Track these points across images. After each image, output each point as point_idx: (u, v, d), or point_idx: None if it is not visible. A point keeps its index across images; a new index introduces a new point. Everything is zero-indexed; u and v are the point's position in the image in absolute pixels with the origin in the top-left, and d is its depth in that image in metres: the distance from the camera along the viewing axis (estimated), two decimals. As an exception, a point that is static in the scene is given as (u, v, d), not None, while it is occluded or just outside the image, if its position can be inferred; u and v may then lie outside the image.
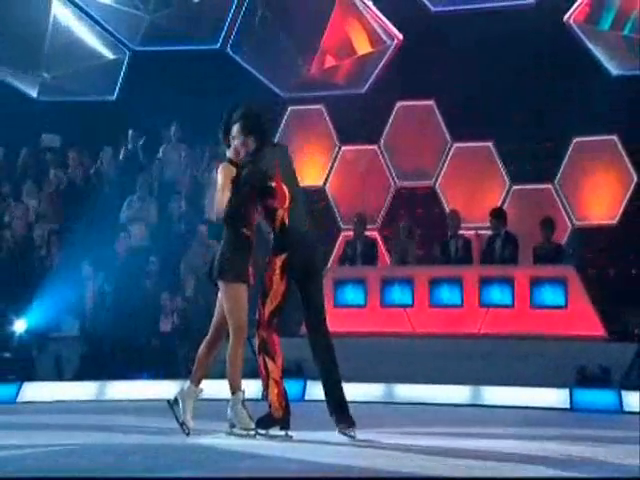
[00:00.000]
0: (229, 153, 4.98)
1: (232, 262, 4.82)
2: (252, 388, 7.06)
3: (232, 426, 4.79)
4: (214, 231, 8.92)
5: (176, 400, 4.90)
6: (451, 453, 4.25)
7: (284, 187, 4.81)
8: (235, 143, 4.90)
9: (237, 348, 4.77)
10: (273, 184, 4.80)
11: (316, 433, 4.81)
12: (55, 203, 10.17)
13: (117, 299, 8.74)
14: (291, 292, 4.83)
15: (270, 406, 4.75)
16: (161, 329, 8.76)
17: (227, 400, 4.85)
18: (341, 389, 4.77)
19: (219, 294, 4.87)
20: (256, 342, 4.82)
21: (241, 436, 4.71)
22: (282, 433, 4.71)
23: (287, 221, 4.79)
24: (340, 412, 4.71)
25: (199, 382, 4.92)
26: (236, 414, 4.77)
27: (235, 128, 4.88)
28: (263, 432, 4.71)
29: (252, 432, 4.70)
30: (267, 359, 4.75)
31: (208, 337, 4.93)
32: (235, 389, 4.80)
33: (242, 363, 4.80)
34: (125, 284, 8.79)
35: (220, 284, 4.83)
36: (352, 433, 4.66)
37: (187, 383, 4.92)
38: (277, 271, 4.76)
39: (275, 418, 4.73)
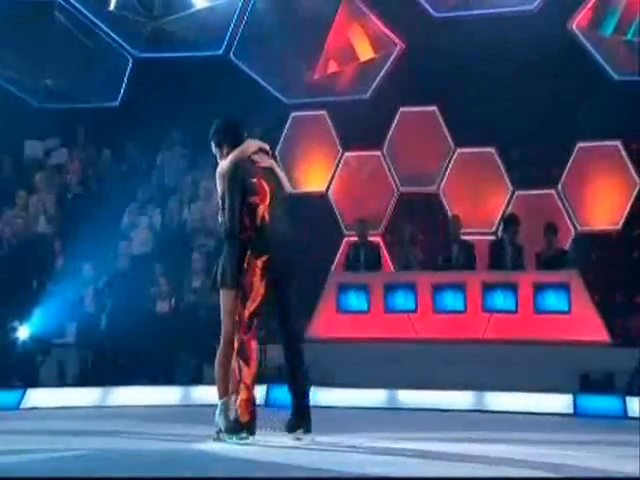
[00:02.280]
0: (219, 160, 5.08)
1: (232, 269, 4.86)
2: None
3: (219, 431, 4.81)
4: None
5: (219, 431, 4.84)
6: (455, 458, 4.24)
7: (264, 184, 4.85)
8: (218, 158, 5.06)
9: (227, 353, 4.83)
10: (254, 180, 4.83)
11: (323, 437, 4.81)
12: (58, 209, 10.18)
13: (118, 306, 8.74)
14: (267, 295, 4.77)
15: (236, 411, 4.76)
16: (158, 309, 8.77)
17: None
18: (305, 394, 4.75)
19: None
20: (235, 344, 4.80)
21: (228, 441, 4.72)
22: (249, 438, 4.69)
23: (268, 218, 4.79)
24: (300, 417, 4.70)
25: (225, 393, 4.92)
26: (223, 419, 4.80)
27: (212, 146, 5.12)
28: (230, 438, 4.71)
29: (244, 435, 4.69)
30: (242, 363, 4.74)
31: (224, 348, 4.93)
32: (222, 394, 4.84)
33: (230, 370, 4.82)
34: (126, 290, 8.80)
35: (222, 290, 4.90)
36: (303, 437, 4.67)
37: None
38: (258, 273, 4.75)
39: (241, 423, 4.72)
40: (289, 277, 4.84)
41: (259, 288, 4.75)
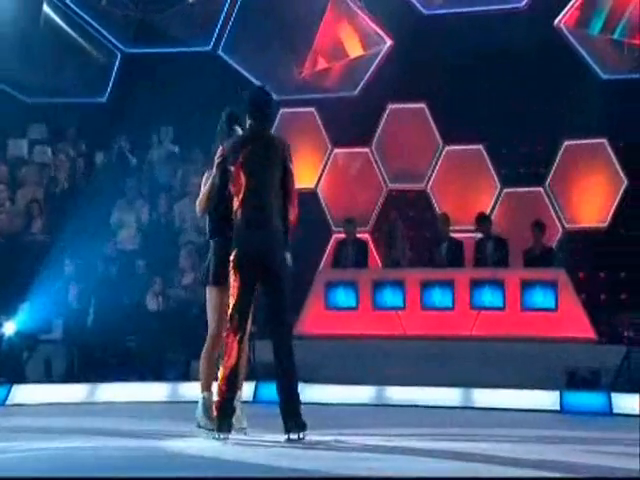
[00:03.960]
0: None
1: (216, 266, 4.86)
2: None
3: (198, 426, 4.83)
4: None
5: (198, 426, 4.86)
6: (443, 455, 4.25)
7: (242, 176, 4.60)
8: None
9: (213, 350, 4.85)
10: (232, 169, 4.64)
11: (311, 435, 4.81)
12: (45, 205, 10.11)
13: (105, 302, 8.71)
14: (246, 291, 4.64)
15: (211, 408, 4.73)
16: (147, 306, 8.75)
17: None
18: (294, 393, 4.62)
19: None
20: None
21: (204, 436, 4.73)
22: (221, 437, 4.61)
23: (239, 214, 4.61)
24: (291, 417, 4.59)
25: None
26: (202, 414, 4.82)
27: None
28: (201, 431, 4.71)
29: (215, 434, 4.66)
30: (221, 360, 4.69)
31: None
32: (204, 389, 4.86)
33: (214, 365, 4.83)
34: (114, 287, 8.77)
35: (209, 288, 4.91)
36: (301, 436, 4.57)
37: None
38: (231, 268, 4.66)
39: (213, 420, 4.67)
40: (266, 276, 4.64)
41: (234, 283, 4.64)
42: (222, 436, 4.61)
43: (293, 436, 4.57)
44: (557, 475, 3.77)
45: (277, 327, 4.72)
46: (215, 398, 4.69)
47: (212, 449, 4.42)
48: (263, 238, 4.64)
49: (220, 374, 4.66)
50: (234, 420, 4.77)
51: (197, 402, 4.97)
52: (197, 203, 4.98)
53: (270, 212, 4.64)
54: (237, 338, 4.66)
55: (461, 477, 3.68)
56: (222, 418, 4.63)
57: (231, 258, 4.66)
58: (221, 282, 4.86)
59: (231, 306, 4.67)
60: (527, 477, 3.59)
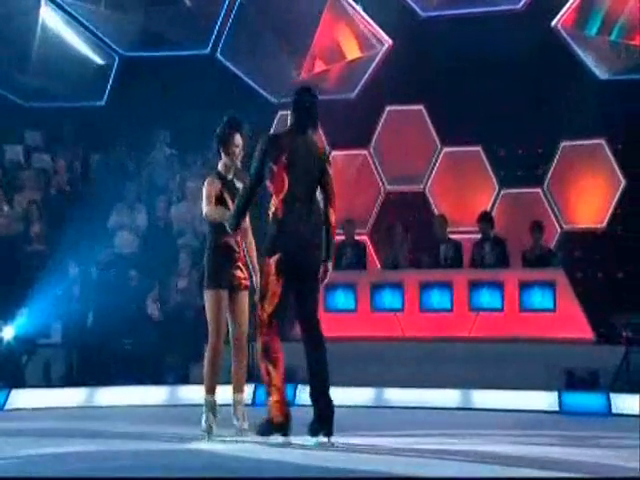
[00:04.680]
0: (219, 166, 5.01)
1: (210, 270, 4.89)
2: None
3: (205, 430, 4.87)
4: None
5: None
6: (442, 456, 4.25)
7: (285, 175, 4.57)
8: (236, 152, 4.93)
9: (215, 358, 4.91)
10: (274, 167, 4.59)
11: (303, 437, 4.80)
12: (43, 209, 10.12)
13: (104, 306, 8.71)
14: (286, 294, 4.66)
15: (269, 412, 4.68)
16: (148, 311, 8.78)
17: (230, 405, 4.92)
18: (323, 395, 4.60)
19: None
20: (258, 347, 4.70)
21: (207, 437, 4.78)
22: (282, 440, 4.63)
23: (280, 214, 4.57)
24: (319, 420, 4.58)
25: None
26: (206, 417, 4.88)
27: (237, 137, 4.92)
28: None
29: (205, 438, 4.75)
30: (269, 365, 4.63)
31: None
32: (207, 391, 4.92)
33: (219, 367, 4.89)
34: (112, 290, 8.76)
35: (205, 291, 4.93)
36: (325, 440, 4.57)
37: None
38: (272, 272, 4.59)
39: (275, 424, 4.64)
40: (305, 277, 4.60)
41: (274, 288, 4.58)
42: (289, 440, 4.61)
43: (323, 439, 4.55)
44: (556, 475, 3.77)
45: (310, 332, 4.67)
46: (273, 401, 4.64)
47: (227, 449, 4.42)
48: (304, 240, 4.60)
49: (277, 381, 4.62)
50: (236, 422, 4.79)
51: (198, 405, 4.99)
52: (209, 211, 4.91)
53: (311, 213, 4.62)
54: (279, 340, 4.67)
55: (461, 477, 3.68)
56: (288, 420, 4.62)
57: (272, 262, 4.59)
58: (219, 285, 4.86)
59: (269, 312, 4.62)
60: (527, 477, 3.59)
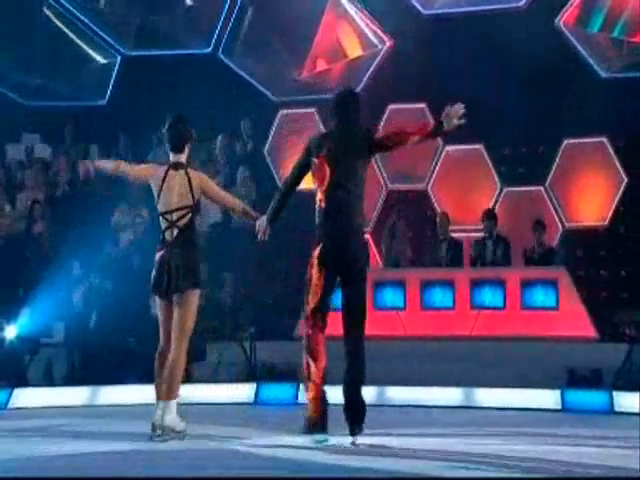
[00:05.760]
0: (183, 159, 5.09)
1: (198, 269, 4.90)
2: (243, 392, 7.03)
3: (163, 430, 4.72)
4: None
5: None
6: (444, 454, 4.25)
7: (326, 167, 4.67)
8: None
9: (184, 353, 4.85)
10: (315, 160, 4.71)
11: (305, 436, 4.80)
12: (45, 208, 10.13)
13: (106, 305, 8.72)
14: (329, 287, 4.60)
15: (307, 410, 4.67)
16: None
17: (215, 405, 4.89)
18: (352, 394, 4.59)
19: (170, 303, 4.84)
20: (303, 340, 4.71)
21: (179, 439, 4.70)
22: (323, 437, 4.61)
23: (323, 205, 4.65)
24: (347, 417, 4.61)
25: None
26: (177, 418, 4.79)
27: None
28: (308, 437, 4.63)
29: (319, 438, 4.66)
30: (310, 360, 4.63)
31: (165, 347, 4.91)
32: (176, 394, 4.82)
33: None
34: (115, 290, 8.77)
35: (189, 292, 4.83)
36: (351, 440, 4.58)
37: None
38: (315, 263, 4.62)
39: (310, 423, 4.63)
40: (347, 272, 4.60)
41: (318, 280, 4.59)
42: (327, 437, 4.60)
43: (354, 439, 4.56)
44: (558, 475, 3.77)
45: (351, 327, 4.66)
46: (310, 398, 4.62)
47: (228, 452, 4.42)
48: (344, 232, 4.64)
49: (316, 377, 4.60)
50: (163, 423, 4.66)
51: (199, 404, 4.98)
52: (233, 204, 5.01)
53: (352, 205, 4.67)
54: (323, 335, 4.65)
55: (463, 477, 3.68)
56: (325, 417, 4.61)
57: (315, 253, 4.61)
58: (201, 284, 4.88)
59: (312, 305, 4.62)
60: (527, 478, 3.58)
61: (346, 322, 4.67)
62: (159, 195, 4.99)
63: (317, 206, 4.71)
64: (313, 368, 4.61)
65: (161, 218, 4.97)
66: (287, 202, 4.97)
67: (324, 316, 4.64)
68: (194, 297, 4.87)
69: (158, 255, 4.95)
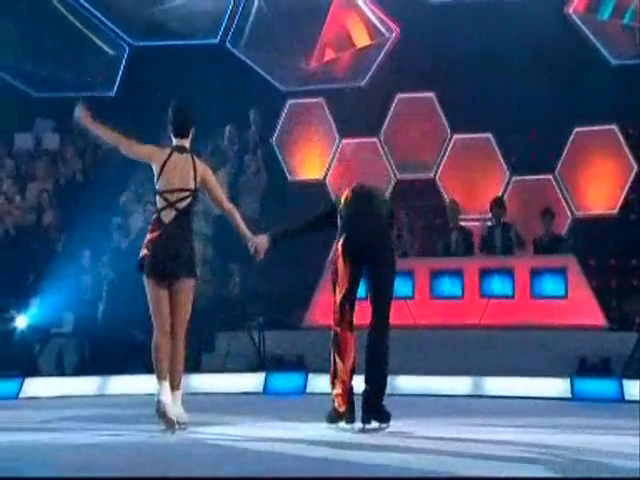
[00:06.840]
0: (187, 143, 5.07)
1: (195, 259, 4.81)
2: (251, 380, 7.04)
3: (182, 422, 4.68)
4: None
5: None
6: (453, 443, 4.25)
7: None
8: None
9: (183, 341, 4.79)
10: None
11: (314, 425, 4.82)
12: (55, 197, 10.17)
13: (116, 294, 8.74)
14: (355, 278, 4.61)
15: (334, 401, 4.73)
16: None
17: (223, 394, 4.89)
18: (371, 385, 4.62)
19: (166, 287, 4.72)
20: (331, 335, 4.73)
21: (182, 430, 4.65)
22: (349, 426, 4.68)
23: (348, 197, 4.75)
24: (363, 406, 4.65)
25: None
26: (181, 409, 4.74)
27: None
28: (333, 426, 4.69)
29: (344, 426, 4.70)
30: (337, 358, 4.65)
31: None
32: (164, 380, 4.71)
33: None
34: (123, 279, 8.79)
35: (190, 280, 4.76)
36: (360, 426, 4.64)
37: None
38: (340, 255, 4.66)
39: (339, 413, 4.71)
40: (370, 263, 4.63)
41: (344, 272, 4.62)
42: (354, 426, 4.64)
43: (369, 426, 4.62)
44: (570, 465, 3.76)
45: (373, 317, 4.67)
46: (337, 393, 4.67)
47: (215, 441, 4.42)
48: (370, 224, 4.70)
49: (343, 375, 4.62)
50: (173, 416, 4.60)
51: (209, 394, 4.98)
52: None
53: (373, 198, 4.80)
54: (351, 330, 4.67)
55: (468, 477, 3.67)
56: (352, 409, 4.67)
57: (339, 245, 4.66)
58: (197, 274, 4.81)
59: (340, 297, 4.63)
60: (532, 477, 3.56)
61: (372, 307, 4.68)
62: (160, 174, 4.80)
63: (342, 200, 4.78)
64: (340, 366, 4.65)
65: (159, 197, 4.76)
66: (302, 234, 5.00)
67: (352, 308, 4.65)
68: (193, 285, 4.79)
69: (153, 235, 4.69)
